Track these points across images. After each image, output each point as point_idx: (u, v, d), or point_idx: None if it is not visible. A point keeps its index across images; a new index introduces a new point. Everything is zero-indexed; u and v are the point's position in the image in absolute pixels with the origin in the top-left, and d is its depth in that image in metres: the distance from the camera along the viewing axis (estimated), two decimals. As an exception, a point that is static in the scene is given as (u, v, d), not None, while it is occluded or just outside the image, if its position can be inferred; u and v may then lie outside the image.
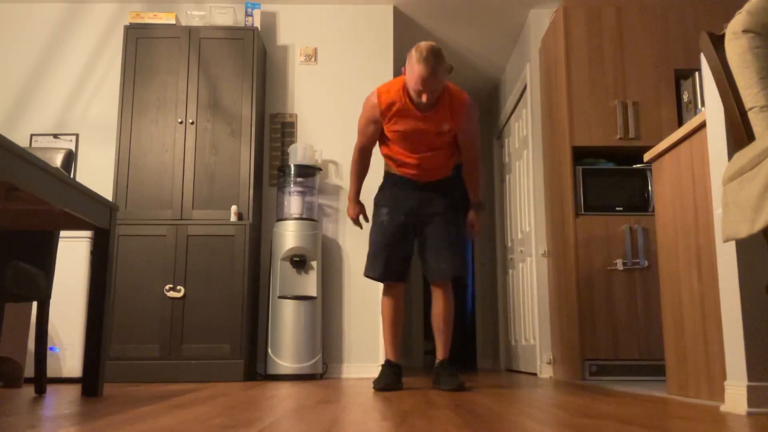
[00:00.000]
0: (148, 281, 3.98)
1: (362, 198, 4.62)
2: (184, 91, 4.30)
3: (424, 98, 2.88)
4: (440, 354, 3.20)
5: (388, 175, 3.28)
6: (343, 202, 4.62)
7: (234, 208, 4.12)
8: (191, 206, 4.17)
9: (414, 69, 2.82)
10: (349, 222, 4.60)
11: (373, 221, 3.27)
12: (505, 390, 2.99)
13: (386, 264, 3.16)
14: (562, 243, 4.19)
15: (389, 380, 3.09)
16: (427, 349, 6.93)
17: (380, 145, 3.24)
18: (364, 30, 4.86)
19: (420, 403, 2.34)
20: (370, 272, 3.22)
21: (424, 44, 2.83)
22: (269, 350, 4.08)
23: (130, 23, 4.39)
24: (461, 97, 3.05)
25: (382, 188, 3.31)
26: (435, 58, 2.79)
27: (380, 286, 3.32)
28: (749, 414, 1.91)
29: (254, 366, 4.28)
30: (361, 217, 3.34)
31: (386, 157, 3.24)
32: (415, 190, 3.19)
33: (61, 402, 2.40)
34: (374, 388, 3.03)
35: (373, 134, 3.14)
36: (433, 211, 3.17)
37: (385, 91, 3.02)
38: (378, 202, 3.28)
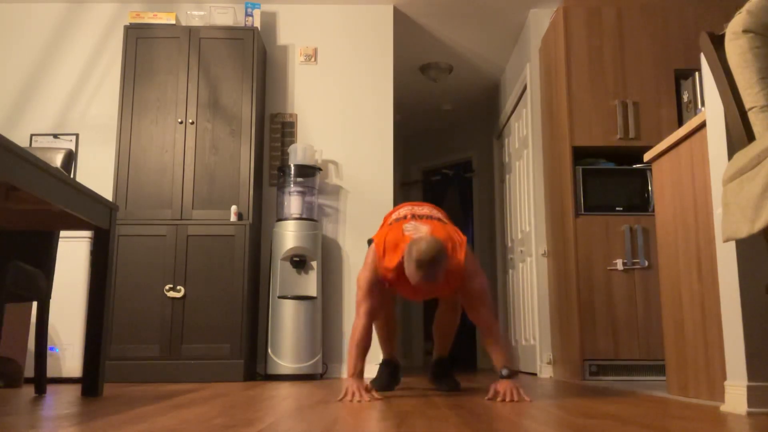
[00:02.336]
0: (148, 281, 3.98)
1: (368, 208, 4.64)
2: (184, 91, 4.30)
3: (421, 297, 2.78)
4: (438, 351, 3.19)
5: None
6: (344, 202, 4.62)
7: (234, 208, 4.12)
8: (191, 206, 4.17)
9: (412, 271, 2.48)
10: (350, 222, 4.60)
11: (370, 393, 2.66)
12: (505, 390, 2.98)
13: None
14: (562, 243, 4.19)
15: (387, 379, 3.09)
16: (428, 349, 6.93)
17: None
18: (364, 30, 4.86)
19: (420, 403, 2.34)
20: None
21: (424, 247, 2.44)
22: (269, 350, 4.08)
23: (130, 23, 4.39)
24: (458, 267, 2.62)
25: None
26: (436, 265, 2.45)
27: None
28: (749, 414, 1.91)
29: (254, 366, 4.28)
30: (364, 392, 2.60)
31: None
32: None
33: (61, 402, 2.40)
34: (373, 387, 3.02)
35: (380, 294, 2.71)
36: None
37: (387, 260, 2.64)
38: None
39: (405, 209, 2.87)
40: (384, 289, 2.74)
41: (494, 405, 2.23)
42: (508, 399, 2.40)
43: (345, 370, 4.41)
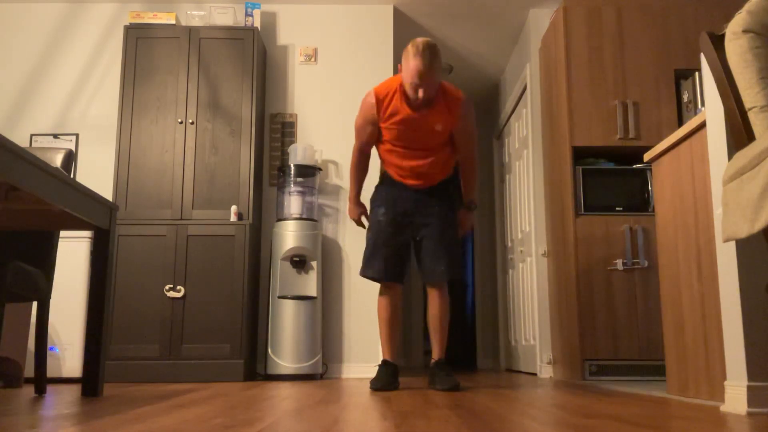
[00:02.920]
0: (148, 281, 3.98)
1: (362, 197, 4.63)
2: (184, 91, 4.30)
3: (420, 93, 2.88)
4: (436, 354, 3.21)
5: (384, 174, 3.28)
6: (344, 202, 4.62)
7: (234, 208, 4.12)
8: (191, 206, 4.17)
9: (410, 63, 2.83)
10: (350, 222, 4.60)
11: (369, 220, 3.29)
12: (505, 390, 2.99)
13: (384, 263, 3.16)
14: (562, 243, 4.19)
15: (386, 380, 3.09)
16: (427, 349, 6.93)
17: (378, 150, 3.24)
18: (364, 30, 4.86)
19: (420, 403, 2.34)
20: (368, 272, 3.21)
21: (420, 39, 2.86)
22: (269, 350, 4.08)
23: (130, 23, 4.39)
24: (457, 95, 3.05)
25: (378, 187, 3.31)
26: (431, 53, 2.83)
27: (378, 285, 3.31)
28: (749, 414, 1.91)
29: (254, 366, 4.28)
30: (363, 218, 3.32)
31: (384, 162, 3.25)
32: (412, 191, 3.19)
33: (61, 402, 2.40)
34: (371, 388, 3.03)
35: (371, 135, 3.13)
36: (430, 212, 3.17)
37: (381, 90, 3.03)
38: (374, 201, 3.28)
39: None
40: (377, 130, 3.08)
41: (494, 405, 2.23)
42: (465, 228, 3.21)
43: (344, 370, 4.41)
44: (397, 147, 3.12)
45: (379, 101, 3.01)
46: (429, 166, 3.13)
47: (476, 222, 7.05)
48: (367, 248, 3.23)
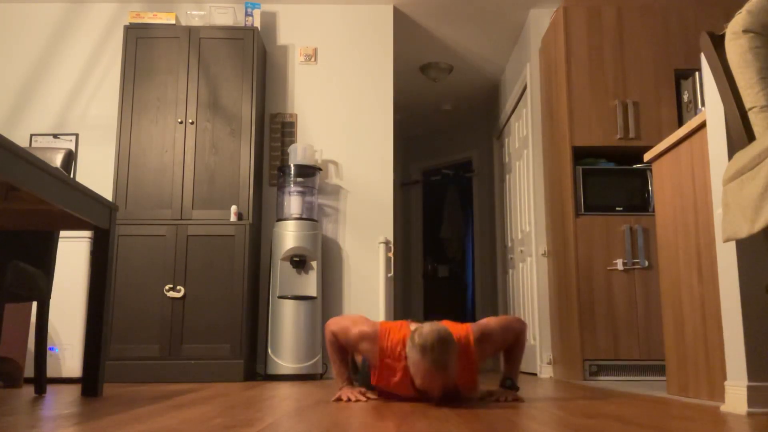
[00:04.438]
0: (148, 281, 3.98)
1: (368, 208, 4.64)
2: (183, 91, 4.30)
3: (434, 395, 2.24)
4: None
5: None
6: (344, 202, 4.62)
7: (234, 208, 4.12)
8: (191, 206, 4.17)
9: (418, 363, 2.15)
10: (350, 222, 4.60)
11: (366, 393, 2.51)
12: (505, 390, 2.98)
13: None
14: (562, 243, 4.19)
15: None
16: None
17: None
18: (364, 30, 4.86)
19: (420, 403, 2.34)
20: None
21: (427, 330, 2.16)
22: (269, 350, 4.08)
23: (130, 23, 4.39)
24: (469, 357, 2.35)
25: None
26: (444, 350, 2.12)
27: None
28: (749, 414, 1.91)
29: (254, 366, 4.28)
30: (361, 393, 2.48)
31: None
32: None
33: (61, 402, 2.40)
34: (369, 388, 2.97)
35: (354, 350, 2.46)
36: None
37: (390, 337, 2.34)
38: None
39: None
40: (347, 368, 2.49)
41: (494, 405, 2.23)
42: (502, 400, 2.38)
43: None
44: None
45: (382, 350, 2.34)
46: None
47: (476, 222, 7.06)
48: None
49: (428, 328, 2.17)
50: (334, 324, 2.44)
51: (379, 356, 2.32)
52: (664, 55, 4.13)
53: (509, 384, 2.46)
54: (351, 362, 2.57)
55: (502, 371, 2.54)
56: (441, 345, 2.12)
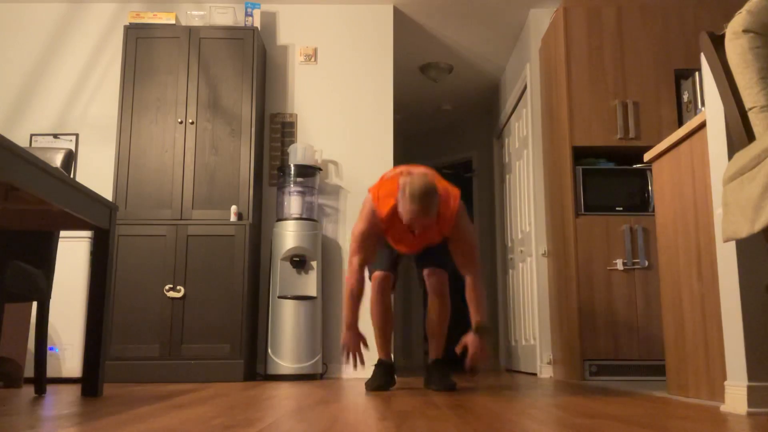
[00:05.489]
0: (148, 281, 3.98)
1: (363, 187, 4.65)
2: (184, 91, 4.30)
3: (416, 230, 2.81)
4: (433, 354, 3.21)
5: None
6: (343, 202, 4.62)
7: (234, 208, 4.12)
8: (191, 206, 4.17)
9: (407, 206, 2.69)
10: (350, 222, 4.60)
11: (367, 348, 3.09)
12: (505, 390, 2.99)
13: (379, 258, 3.13)
14: (562, 243, 4.19)
15: (382, 380, 3.09)
16: (427, 349, 6.92)
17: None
18: (364, 30, 4.86)
19: (420, 403, 2.34)
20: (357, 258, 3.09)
21: (417, 182, 2.68)
22: (269, 350, 4.08)
23: (130, 23, 4.39)
24: (448, 210, 2.86)
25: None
26: (428, 199, 2.66)
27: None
28: (749, 414, 1.91)
29: (254, 366, 4.28)
30: (362, 347, 2.99)
31: None
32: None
33: (61, 402, 2.40)
34: (367, 389, 3.02)
35: (373, 247, 2.93)
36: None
37: (382, 204, 2.88)
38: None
39: (401, 168, 3.00)
40: (377, 242, 2.93)
41: (494, 405, 2.23)
42: (471, 351, 2.72)
43: (344, 370, 4.41)
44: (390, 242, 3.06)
45: (380, 211, 2.88)
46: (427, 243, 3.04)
47: (476, 222, 7.06)
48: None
49: (417, 179, 2.66)
50: (352, 268, 2.91)
51: (383, 224, 2.84)
52: (664, 55, 4.13)
53: (482, 330, 2.79)
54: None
55: (471, 316, 2.87)
56: (427, 194, 2.64)
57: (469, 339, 2.72)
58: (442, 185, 2.89)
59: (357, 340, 2.81)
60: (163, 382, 3.76)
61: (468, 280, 2.91)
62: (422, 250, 3.11)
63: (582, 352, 3.81)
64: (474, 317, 2.81)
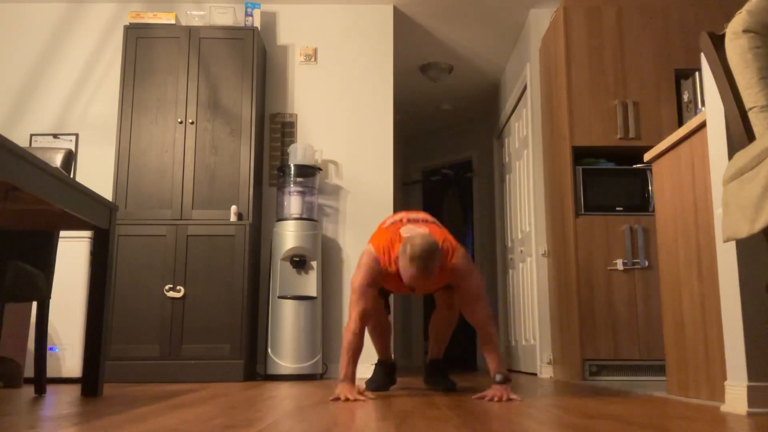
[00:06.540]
0: (148, 281, 3.98)
1: (368, 208, 4.64)
2: (183, 91, 4.30)
3: (416, 291, 2.73)
4: (433, 354, 3.20)
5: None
6: (344, 202, 4.62)
7: (234, 208, 4.12)
8: (191, 206, 4.17)
9: (407, 267, 2.57)
10: (350, 222, 4.60)
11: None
12: (505, 390, 2.98)
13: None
14: (562, 243, 4.19)
15: (381, 380, 3.09)
16: (427, 349, 6.92)
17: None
18: (364, 30, 4.86)
19: (420, 403, 2.34)
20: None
21: (418, 243, 2.53)
22: (269, 350, 4.08)
23: (130, 23, 4.39)
24: (450, 267, 2.71)
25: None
26: (429, 260, 2.53)
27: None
28: (749, 414, 1.91)
29: (254, 366, 4.28)
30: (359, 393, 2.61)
31: None
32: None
33: (61, 402, 2.40)
34: (366, 389, 3.02)
35: (373, 297, 2.75)
36: None
37: (382, 259, 2.71)
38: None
39: (401, 215, 2.90)
40: (376, 293, 2.79)
41: (494, 405, 2.23)
42: (496, 399, 2.47)
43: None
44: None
45: (383, 264, 2.72)
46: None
47: (476, 222, 7.06)
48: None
49: (419, 240, 2.56)
50: (352, 320, 2.65)
51: (387, 275, 2.72)
52: (664, 55, 4.13)
53: (500, 378, 2.55)
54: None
55: (489, 368, 2.64)
56: (428, 255, 2.52)
57: (495, 390, 2.54)
58: (444, 237, 2.76)
59: (353, 392, 2.53)
60: (163, 382, 3.76)
61: (480, 333, 2.72)
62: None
63: (582, 352, 3.81)
64: (493, 370, 2.63)
